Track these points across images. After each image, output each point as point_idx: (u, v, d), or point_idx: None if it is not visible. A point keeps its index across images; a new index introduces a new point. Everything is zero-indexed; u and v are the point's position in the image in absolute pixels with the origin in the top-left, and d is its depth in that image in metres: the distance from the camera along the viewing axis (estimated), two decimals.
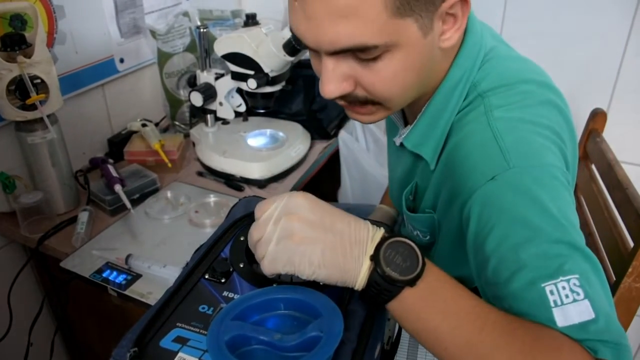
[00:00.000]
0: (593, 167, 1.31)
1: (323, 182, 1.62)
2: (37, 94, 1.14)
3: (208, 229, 1.20)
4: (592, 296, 0.59)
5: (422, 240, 0.89)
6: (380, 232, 0.62)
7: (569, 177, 0.70)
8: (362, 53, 0.67)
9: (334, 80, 0.70)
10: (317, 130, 1.57)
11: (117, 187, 1.24)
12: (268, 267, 0.61)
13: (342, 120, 1.70)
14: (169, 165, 1.38)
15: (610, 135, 1.34)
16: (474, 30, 0.79)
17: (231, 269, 0.68)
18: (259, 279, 0.67)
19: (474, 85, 0.78)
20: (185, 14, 1.63)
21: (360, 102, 0.75)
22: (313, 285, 0.63)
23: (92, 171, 1.43)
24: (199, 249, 0.75)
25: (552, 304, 0.60)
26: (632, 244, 1.04)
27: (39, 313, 1.21)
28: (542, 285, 0.60)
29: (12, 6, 1.18)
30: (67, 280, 1.10)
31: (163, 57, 1.57)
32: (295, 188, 1.38)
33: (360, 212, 1.41)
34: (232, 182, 1.36)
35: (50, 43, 1.30)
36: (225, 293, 0.65)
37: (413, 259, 0.60)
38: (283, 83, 1.36)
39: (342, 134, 1.62)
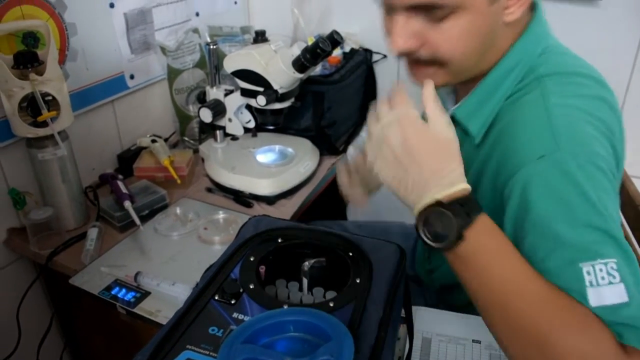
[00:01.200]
0: None
1: (332, 197, 1.62)
2: (49, 111, 1.14)
3: (217, 246, 1.20)
4: (627, 281, 0.62)
5: None
6: (442, 186, 0.68)
7: (614, 169, 0.72)
8: (432, 11, 0.73)
9: (403, 35, 0.76)
10: (326, 146, 1.57)
11: (127, 204, 1.24)
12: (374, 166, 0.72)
13: (351, 135, 1.70)
14: (178, 181, 1.38)
15: None
16: (540, 22, 0.83)
17: (241, 290, 0.68)
18: (269, 301, 0.67)
19: (532, 69, 0.81)
20: (195, 31, 1.64)
21: (424, 63, 0.80)
22: (323, 307, 0.63)
23: (102, 187, 1.43)
24: (209, 269, 0.74)
25: (587, 284, 0.62)
26: None
27: (48, 330, 1.21)
28: (580, 265, 0.63)
29: (25, 24, 1.19)
30: (76, 297, 1.09)
31: (173, 73, 1.57)
32: (304, 204, 1.38)
33: (371, 229, 1.42)
34: (241, 198, 1.36)
35: (61, 60, 1.31)
36: (235, 314, 0.65)
37: (464, 220, 0.66)
38: (292, 99, 1.37)
39: (351, 150, 1.62)
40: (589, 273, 0.63)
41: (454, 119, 0.85)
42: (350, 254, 0.73)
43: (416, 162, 0.69)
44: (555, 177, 0.68)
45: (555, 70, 0.79)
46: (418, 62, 0.81)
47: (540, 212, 0.67)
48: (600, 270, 0.62)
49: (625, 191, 1.16)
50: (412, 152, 0.69)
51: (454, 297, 1.08)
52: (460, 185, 0.68)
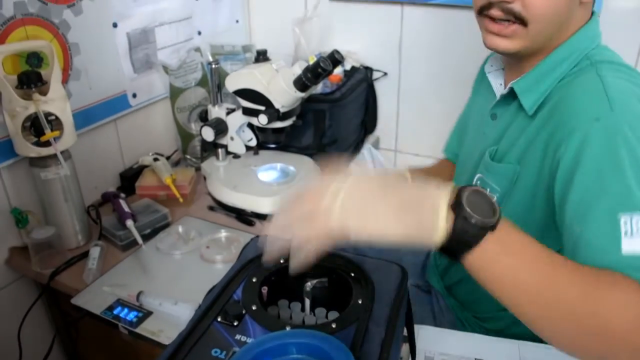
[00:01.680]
0: None
1: None
2: (52, 130, 1.15)
3: (219, 265, 1.20)
4: None
5: None
6: (448, 186, 0.63)
7: None
8: None
9: None
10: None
11: (129, 223, 1.25)
12: (340, 217, 0.60)
13: (352, 153, 1.71)
14: (181, 200, 1.39)
15: None
16: (597, 23, 0.93)
17: (244, 312, 0.68)
18: (272, 322, 0.67)
19: (587, 57, 0.89)
20: (197, 50, 1.65)
21: (513, 17, 0.86)
22: (325, 329, 0.63)
23: (104, 205, 1.43)
24: (212, 290, 0.74)
25: (622, 234, 0.66)
26: None
27: (50, 350, 1.21)
28: (619, 214, 0.67)
29: (29, 45, 1.20)
30: (78, 317, 1.10)
31: (175, 92, 1.59)
32: None
33: (372, 250, 1.42)
34: (243, 216, 1.36)
35: (65, 79, 1.32)
36: (237, 336, 0.65)
37: (490, 205, 0.62)
38: (294, 118, 1.37)
39: (353, 166, 1.63)
40: (625, 223, 0.67)
41: (511, 92, 0.95)
42: (352, 275, 0.73)
43: (399, 186, 0.64)
44: (608, 137, 0.74)
45: (609, 60, 0.88)
46: (504, 17, 0.87)
47: (591, 165, 0.73)
48: (637, 222, 0.66)
49: None
50: (385, 182, 0.64)
51: (479, 308, 1.10)
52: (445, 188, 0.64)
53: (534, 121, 0.90)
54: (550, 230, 0.85)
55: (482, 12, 0.91)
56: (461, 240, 0.60)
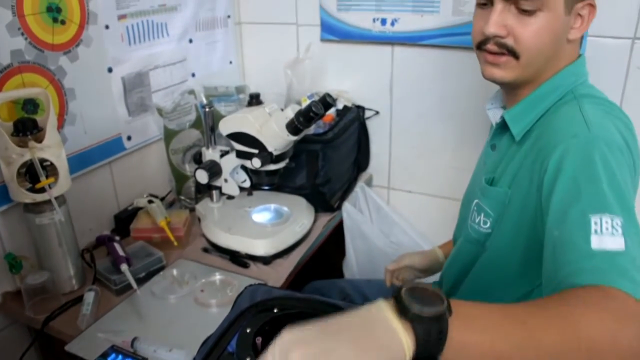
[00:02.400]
0: None
1: (328, 254, 1.63)
2: (47, 176, 1.16)
3: (214, 309, 1.20)
4: (627, 237, 0.72)
5: (481, 231, 1.05)
6: (381, 299, 0.60)
7: (631, 161, 0.86)
8: (526, 1, 0.92)
9: (498, 21, 0.95)
10: (321, 204, 1.59)
11: (124, 267, 1.25)
12: None
13: (345, 192, 1.72)
14: (175, 243, 1.39)
15: None
16: (584, 62, 1.03)
17: None
18: None
19: (571, 91, 0.99)
20: (191, 92, 1.68)
21: (506, 50, 0.97)
22: None
23: (99, 247, 1.44)
24: (206, 341, 0.75)
25: (592, 231, 0.74)
26: None
27: None
28: (590, 215, 0.75)
29: (25, 92, 1.22)
30: None
31: (169, 134, 1.60)
32: (300, 263, 1.39)
33: (369, 287, 1.43)
34: (238, 258, 1.37)
35: (60, 124, 1.34)
36: None
37: (432, 293, 0.60)
38: (287, 160, 1.39)
39: (346, 206, 1.64)
40: (596, 223, 0.74)
41: (502, 126, 1.06)
42: None
43: (340, 320, 0.59)
44: (585, 149, 0.82)
45: (591, 94, 0.97)
46: (500, 49, 0.98)
47: (569, 173, 0.81)
48: (607, 222, 0.74)
49: None
50: (324, 329, 0.58)
51: None
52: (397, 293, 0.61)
53: (522, 147, 0.99)
54: (533, 259, 0.90)
55: (480, 47, 1.02)
56: (429, 340, 0.57)
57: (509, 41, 0.96)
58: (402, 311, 0.57)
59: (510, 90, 1.06)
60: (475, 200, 1.08)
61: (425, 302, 0.57)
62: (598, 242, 0.73)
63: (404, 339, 0.56)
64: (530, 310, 0.64)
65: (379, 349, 0.55)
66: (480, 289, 1.10)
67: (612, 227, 0.74)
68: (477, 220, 1.06)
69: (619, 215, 0.74)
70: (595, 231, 0.74)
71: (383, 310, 0.58)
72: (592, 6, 0.97)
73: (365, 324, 0.57)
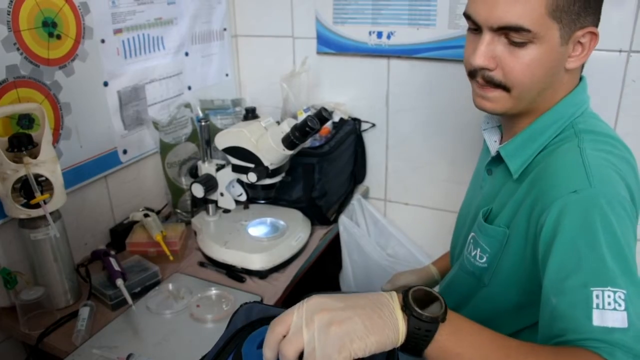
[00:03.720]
0: None
1: (324, 267, 1.63)
2: (42, 191, 1.16)
3: (209, 324, 1.19)
4: (631, 311, 0.70)
5: (477, 265, 1.01)
6: (394, 293, 0.69)
7: (635, 218, 0.82)
8: (516, 34, 0.86)
9: (486, 52, 0.90)
10: (317, 217, 1.59)
11: (119, 282, 1.24)
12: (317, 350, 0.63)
13: (342, 205, 1.72)
14: (171, 258, 1.39)
15: None
16: (584, 89, 0.98)
17: None
18: None
19: (572, 125, 0.93)
20: (187, 106, 1.68)
21: (493, 85, 0.92)
22: None
23: (94, 262, 1.43)
24: None
25: (594, 306, 0.71)
26: None
27: None
28: (592, 288, 0.72)
29: (20, 108, 1.22)
30: None
31: (165, 148, 1.60)
32: (296, 277, 1.38)
33: None
34: (234, 273, 1.36)
35: (56, 139, 1.34)
36: None
37: (434, 297, 0.69)
38: (283, 174, 1.39)
39: (343, 219, 1.64)
40: (597, 297, 0.72)
41: (498, 156, 1.00)
42: None
43: (364, 299, 0.68)
44: (585, 209, 0.78)
45: (591, 129, 0.92)
46: (487, 84, 0.94)
47: (568, 236, 0.77)
48: (609, 296, 0.71)
49: None
50: (345, 301, 0.67)
51: None
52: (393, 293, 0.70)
53: (521, 186, 0.93)
54: (536, 294, 0.86)
55: (471, 77, 0.97)
56: (417, 335, 0.66)
57: (497, 75, 0.91)
58: (405, 306, 0.67)
59: (507, 119, 1.03)
60: (472, 234, 1.04)
61: (426, 304, 0.67)
62: (600, 319, 0.71)
63: (401, 327, 0.66)
64: (521, 349, 0.70)
65: (382, 328, 0.65)
66: (478, 321, 1.06)
67: (615, 301, 0.71)
68: (473, 254, 1.03)
69: (622, 288, 0.72)
70: (597, 305, 0.72)
71: (392, 300, 0.68)
72: (594, 34, 0.90)
73: (377, 305, 0.67)
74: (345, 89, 1.86)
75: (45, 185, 1.18)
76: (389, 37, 1.71)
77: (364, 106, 1.84)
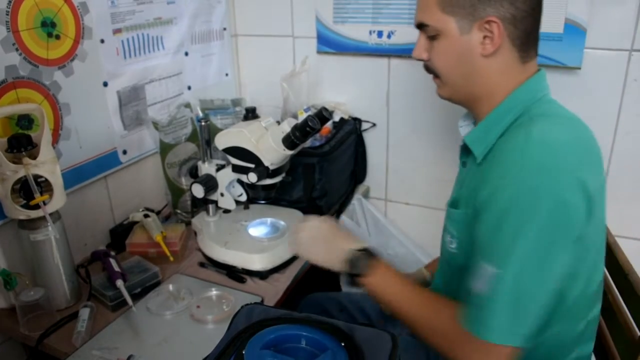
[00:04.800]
0: None
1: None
2: (41, 192, 1.15)
3: (210, 325, 1.19)
4: (500, 291, 0.86)
5: (451, 250, 1.10)
6: (360, 242, 1.10)
7: (572, 210, 0.86)
8: (426, 30, 1.03)
9: (419, 47, 1.07)
10: None
11: (119, 283, 1.23)
12: (301, 248, 1.16)
13: (342, 205, 1.71)
14: (171, 259, 1.38)
15: (608, 211, 1.35)
16: (539, 80, 1.03)
17: None
18: None
19: (527, 110, 0.99)
20: (187, 105, 1.67)
21: (433, 73, 1.08)
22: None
23: (94, 263, 1.42)
24: None
25: (478, 275, 0.90)
26: (639, 333, 1.03)
27: None
28: (481, 262, 0.89)
29: (19, 108, 1.21)
30: None
31: (165, 148, 1.60)
32: (297, 277, 1.38)
33: (365, 299, 1.41)
34: (234, 273, 1.36)
35: (55, 139, 1.33)
36: None
37: (365, 264, 1.04)
38: (283, 175, 1.38)
39: (343, 219, 1.63)
40: (481, 267, 0.89)
41: (467, 146, 1.08)
42: (343, 344, 0.73)
43: (340, 238, 1.12)
44: (509, 197, 0.87)
45: (546, 113, 0.98)
46: (431, 74, 1.09)
47: (486, 216, 0.90)
48: (485, 269, 0.88)
49: (614, 259, 1.17)
50: (335, 235, 1.13)
51: None
52: (364, 244, 1.09)
53: (480, 169, 1.02)
54: None
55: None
56: (352, 271, 1.05)
57: (430, 65, 1.07)
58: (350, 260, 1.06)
59: (469, 109, 1.12)
60: (445, 223, 1.13)
61: (362, 259, 1.06)
62: (475, 283, 0.90)
63: (345, 261, 1.06)
64: (419, 295, 1.03)
65: (332, 260, 1.09)
66: None
67: (492, 276, 0.86)
68: (446, 241, 1.11)
69: (501, 268, 0.86)
70: (478, 274, 0.89)
71: (351, 245, 1.08)
72: (495, 22, 0.96)
73: (339, 249, 1.09)
74: (345, 89, 1.86)
75: (44, 186, 1.17)
76: (389, 36, 1.70)
77: (364, 106, 1.84)
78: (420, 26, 1.05)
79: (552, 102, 1.04)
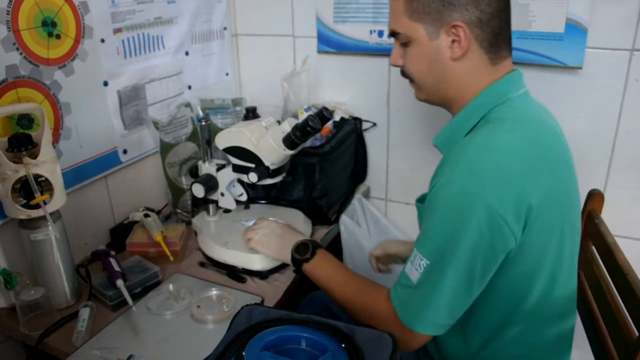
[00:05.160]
0: (594, 248, 1.31)
1: None
2: (42, 192, 1.15)
3: (210, 325, 1.19)
4: (422, 278, 0.96)
5: None
6: (302, 240, 1.28)
7: (496, 215, 0.89)
8: (398, 37, 1.08)
9: (394, 54, 1.12)
10: (318, 217, 1.58)
11: (119, 282, 1.23)
12: (257, 244, 1.33)
13: (343, 205, 1.71)
14: (171, 258, 1.38)
15: (609, 211, 1.35)
16: (508, 82, 1.05)
17: None
18: None
19: (488, 113, 1.03)
20: (187, 105, 1.67)
21: (409, 79, 1.13)
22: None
23: (94, 262, 1.42)
24: None
25: (410, 260, 0.99)
26: (637, 333, 1.03)
27: None
28: (415, 249, 0.98)
29: (20, 108, 1.21)
30: None
31: (165, 147, 1.60)
32: (297, 277, 1.38)
33: None
34: (234, 273, 1.36)
35: (55, 139, 1.33)
36: None
37: (308, 251, 1.22)
38: (283, 174, 1.38)
39: (344, 219, 1.63)
40: (415, 255, 0.97)
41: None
42: (343, 346, 0.73)
43: (290, 234, 1.32)
44: (445, 193, 0.93)
45: (502, 117, 1.01)
46: (407, 78, 1.14)
47: (427, 207, 0.98)
48: (417, 257, 0.96)
49: (614, 260, 1.17)
50: (286, 232, 1.33)
51: None
52: (308, 238, 1.31)
53: None
54: None
55: None
56: (295, 262, 1.25)
57: (406, 70, 1.12)
58: (295, 249, 1.26)
59: (448, 111, 1.14)
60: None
61: (302, 249, 1.25)
62: (408, 268, 0.99)
63: (288, 258, 1.27)
64: (356, 281, 1.15)
65: (280, 254, 1.30)
66: None
67: (419, 264, 0.95)
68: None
69: (427, 259, 0.94)
70: (412, 261, 0.98)
71: (295, 242, 1.27)
72: (460, 26, 0.99)
73: (289, 243, 1.28)
74: (346, 88, 1.85)
75: (45, 185, 1.17)
76: (389, 36, 1.70)
77: (364, 105, 1.84)
78: (393, 34, 1.10)
79: (517, 103, 1.04)
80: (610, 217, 1.31)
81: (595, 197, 1.36)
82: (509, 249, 0.93)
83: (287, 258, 1.26)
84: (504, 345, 1.06)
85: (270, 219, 1.40)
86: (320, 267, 1.20)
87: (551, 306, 1.05)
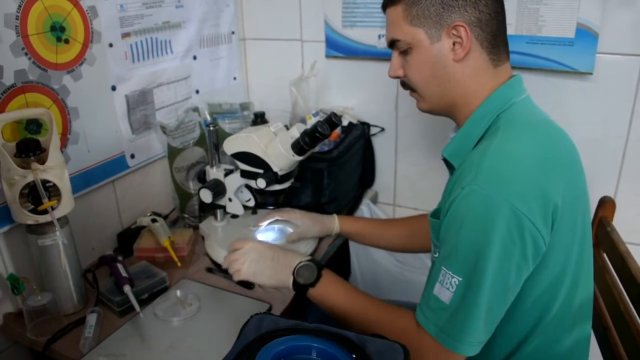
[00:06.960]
0: (605, 256, 1.30)
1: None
2: (50, 197, 1.15)
3: (218, 332, 1.18)
4: (456, 295, 0.90)
5: (434, 260, 1.07)
6: (300, 258, 1.17)
7: (524, 219, 0.86)
8: (398, 45, 1.07)
9: (394, 65, 1.11)
10: None
11: (126, 288, 1.23)
12: (246, 271, 1.17)
13: (351, 210, 1.70)
14: (179, 264, 1.38)
15: (621, 218, 1.34)
16: (512, 87, 1.05)
17: None
18: None
19: (497, 120, 1.01)
20: (195, 109, 1.67)
21: (410, 89, 1.12)
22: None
23: (101, 267, 1.42)
24: None
25: (439, 280, 0.93)
26: None
27: None
28: (442, 267, 0.93)
29: (28, 113, 1.21)
30: None
31: (173, 152, 1.59)
32: None
33: None
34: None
35: (63, 144, 1.33)
36: None
37: (314, 274, 1.12)
38: (292, 180, 1.37)
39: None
40: (444, 274, 0.92)
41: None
42: (354, 356, 0.72)
43: (282, 255, 1.18)
44: (466, 206, 0.89)
45: (512, 120, 1.00)
46: (408, 89, 1.13)
47: (447, 222, 0.94)
48: (447, 275, 0.91)
49: (627, 269, 1.16)
50: (277, 253, 1.19)
51: None
52: (307, 256, 1.18)
53: (453, 178, 1.04)
54: None
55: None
56: (298, 288, 1.13)
57: (407, 80, 1.10)
58: (295, 270, 1.14)
59: (452, 119, 1.13)
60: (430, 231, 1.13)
61: (307, 273, 1.13)
62: (437, 289, 0.93)
63: (291, 282, 1.14)
64: (369, 303, 1.08)
65: (277, 279, 1.16)
66: None
67: (450, 283, 0.90)
68: (433, 249, 1.09)
69: (459, 275, 0.89)
70: (440, 281, 0.92)
71: (293, 265, 1.15)
72: (462, 26, 0.99)
73: (286, 265, 1.16)
74: (354, 93, 1.85)
75: (53, 191, 1.17)
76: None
77: (373, 110, 1.83)
78: (392, 44, 1.09)
79: (522, 108, 1.04)
80: (622, 225, 1.30)
81: (606, 204, 1.35)
82: (540, 253, 0.90)
83: (287, 283, 1.14)
84: (523, 358, 1.03)
85: (248, 241, 1.24)
86: (329, 292, 1.11)
87: (572, 312, 1.03)
